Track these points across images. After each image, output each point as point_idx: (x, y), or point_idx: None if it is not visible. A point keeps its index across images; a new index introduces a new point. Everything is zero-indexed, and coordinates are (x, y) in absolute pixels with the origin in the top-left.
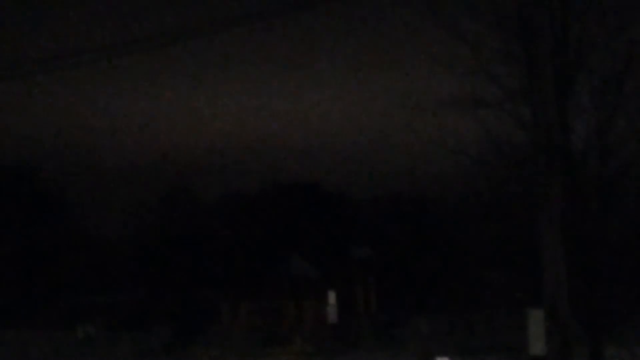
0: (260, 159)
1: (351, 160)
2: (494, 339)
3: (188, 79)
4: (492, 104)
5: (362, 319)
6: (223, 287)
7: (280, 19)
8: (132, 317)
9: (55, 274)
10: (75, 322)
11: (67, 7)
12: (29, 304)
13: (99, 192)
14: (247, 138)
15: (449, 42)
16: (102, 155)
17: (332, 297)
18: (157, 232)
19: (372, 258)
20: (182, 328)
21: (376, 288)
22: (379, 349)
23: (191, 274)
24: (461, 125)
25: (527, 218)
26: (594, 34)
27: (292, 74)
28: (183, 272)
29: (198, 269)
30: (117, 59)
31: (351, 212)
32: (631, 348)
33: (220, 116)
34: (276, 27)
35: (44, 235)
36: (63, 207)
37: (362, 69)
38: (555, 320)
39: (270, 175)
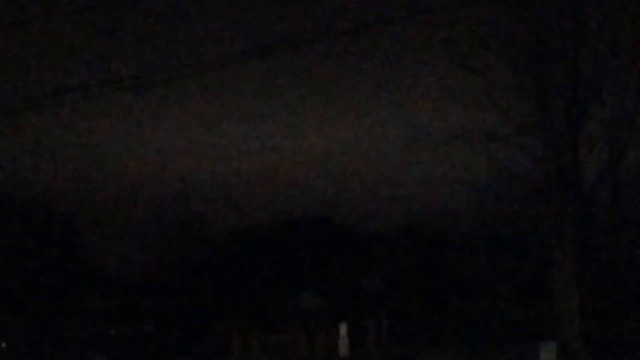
0: (271, 194)
1: (362, 193)
2: None
3: (200, 114)
4: (503, 137)
5: (373, 352)
6: (234, 321)
7: (291, 53)
8: (142, 350)
9: (67, 306)
10: (87, 354)
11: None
12: (39, 335)
13: (110, 226)
14: (258, 173)
15: (461, 76)
16: (114, 189)
17: (343, 329)
18: (168, 266)
19: (383, 290)
20: None
21: (388, 320)
22: None
23: (201, 308)
24: (472, 159)
25: (539, 250)
26: (605, 68)
27: (303, 109)
28: (193, 306)
29: (208, 303)
30: (129, 92)
31: (362, 245)
32: None
33: (232, 152)
34: (286, 62)
35: (56, 267)
36: (74, 239)
37: (374, 102)
38: (567, 352)
39: (282, 209)
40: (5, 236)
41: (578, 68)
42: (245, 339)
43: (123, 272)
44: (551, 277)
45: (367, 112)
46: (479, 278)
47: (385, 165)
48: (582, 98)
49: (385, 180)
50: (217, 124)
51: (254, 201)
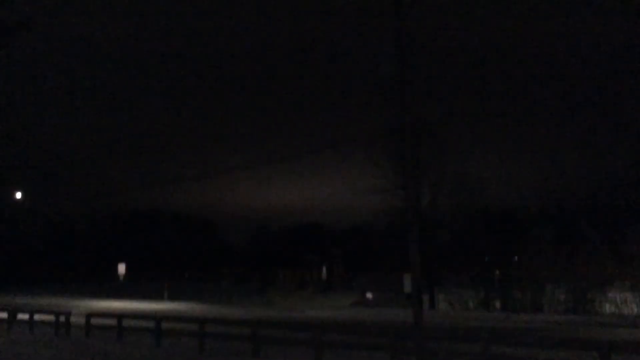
0: (287, 213)
1: (333, 214)
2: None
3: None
4: (390, 192)
5: (336, 278)
6: (281, 267)
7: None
8: (243, 281)
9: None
10: (220, 279)
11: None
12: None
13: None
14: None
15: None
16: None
17: (324, 269)
18: (253, 248)
19: (341, 254)
20: (262, 284)
21: (343, 266)
22: (343, 291)
23: (269, 263)
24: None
25: (405, 243)
26: (436, 170)
27: (315, 177)
28: (265, 262)
29: (274, 260)
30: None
31: (332, 235)
32: (457, 293)
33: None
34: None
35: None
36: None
37: (336, 170)
38: (414, 279)
39: (290, 221)
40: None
41: (419, 182)
42: (285, 274)
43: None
44: (409, 252)
45: (333, 175)
46: (380, 257)
47: (341, 203)
48: (420, 182)
49: (339, 209)
50: (265, 181)
51: (278, 217)
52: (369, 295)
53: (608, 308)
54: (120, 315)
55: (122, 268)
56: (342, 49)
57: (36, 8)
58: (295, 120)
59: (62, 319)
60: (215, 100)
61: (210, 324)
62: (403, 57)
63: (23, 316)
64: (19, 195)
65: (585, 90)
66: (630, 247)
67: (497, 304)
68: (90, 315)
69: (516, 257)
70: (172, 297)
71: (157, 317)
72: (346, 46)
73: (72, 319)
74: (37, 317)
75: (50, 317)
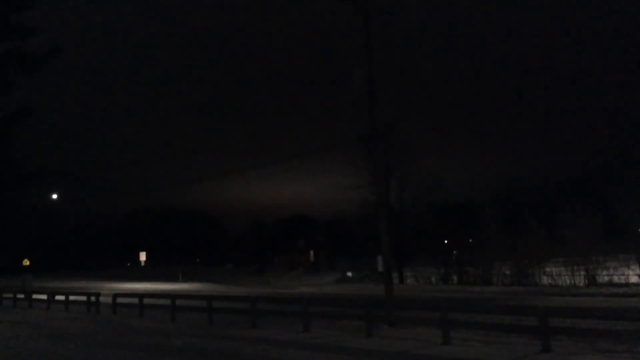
0: (279, 207)
1: (318, 207)
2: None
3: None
4: (364, 188)
5: (322, 260)
6: (276, 252)
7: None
8: (244, 265)
9: (218, 259)
10: (224, 264)
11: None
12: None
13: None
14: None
15: (349, 166)
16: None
17: (312, 253)
18: (252, 237)
19: (324, 241)
20: (260, 267)
21: (328, 250)
22: (327, 271)
23: (265, 249)
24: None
25: (378, 230)
26: (403, 170)
27: (302, 177)
28: (262, 249)
29: (269, 247)
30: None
31: (317, 225)
32: (421, 270)
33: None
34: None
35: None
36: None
37: (320, 170)
38: (385, 260)
39: (282, 214)
40: (180, 226)
41: (388, 180)
42: (279, 259)
43: (235, 236)
44: (380, 237)
45: (315, 176)
46: (357, 242)
47: (322, 198)
48: (389, 180)
49: (323, 203)
50: (262, 181)
51: (269, 213)
52: (349, 273)
53: (545, 280)
54: (141, 295)
55: (143, 256)
56: (324, 68)
57: (69, 35)
58: (285, 130)
59: (92, 298)
60: (216, 115)
61: (217, 301)
62: (372, 77)
63: (60, 297)
64: (55, 196)
65: (526, 102)
66: (562, 230)
67: (455, 279)
68: (116, 295)
69: (469, 240)
70: (185, 279)
71: (173, 296)
72: (327, 65)
73: (101, 299)
74: (71, 297)
75: (83, 298)
